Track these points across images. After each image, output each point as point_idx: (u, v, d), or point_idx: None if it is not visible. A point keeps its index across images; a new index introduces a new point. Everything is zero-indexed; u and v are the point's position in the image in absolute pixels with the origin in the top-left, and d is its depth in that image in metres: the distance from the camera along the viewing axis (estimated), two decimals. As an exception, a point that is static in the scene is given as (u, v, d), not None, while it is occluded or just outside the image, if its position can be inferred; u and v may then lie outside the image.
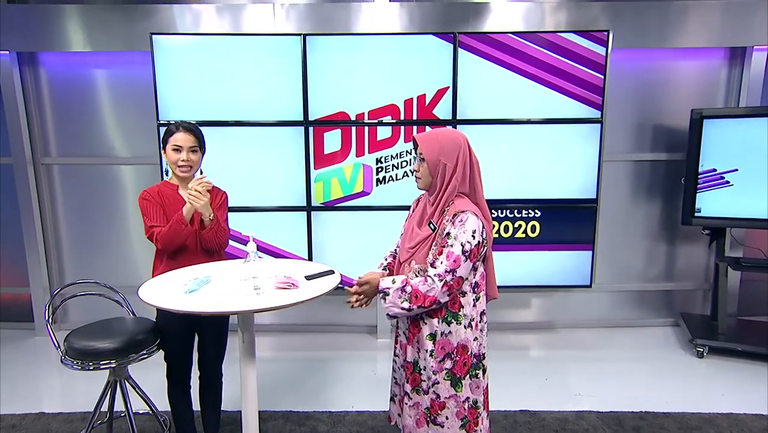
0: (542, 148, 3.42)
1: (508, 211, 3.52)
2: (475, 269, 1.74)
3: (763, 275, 3.96)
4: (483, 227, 1.71)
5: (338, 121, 3.42)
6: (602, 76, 3.31)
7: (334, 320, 3.96)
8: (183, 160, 2.16)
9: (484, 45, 3.32)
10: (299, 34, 3.31)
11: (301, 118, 3.41)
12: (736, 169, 3.37)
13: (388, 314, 1.72)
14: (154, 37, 3.28)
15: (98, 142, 3.79)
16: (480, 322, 1.79)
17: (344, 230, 3.53)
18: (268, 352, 3.66)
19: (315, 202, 3.51)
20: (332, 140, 3.44)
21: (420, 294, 1.66)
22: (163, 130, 2.39)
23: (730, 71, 3.68)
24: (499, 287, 3.53)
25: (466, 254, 1.66)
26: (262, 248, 3.51)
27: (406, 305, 1.67)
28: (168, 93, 3.36)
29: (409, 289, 1.68)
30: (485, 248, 1.75)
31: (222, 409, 2.47)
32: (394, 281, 1.72)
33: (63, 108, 3.76)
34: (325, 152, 3.46)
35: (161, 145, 2.22)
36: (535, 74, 3.35)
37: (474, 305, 1.76)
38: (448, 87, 3.36)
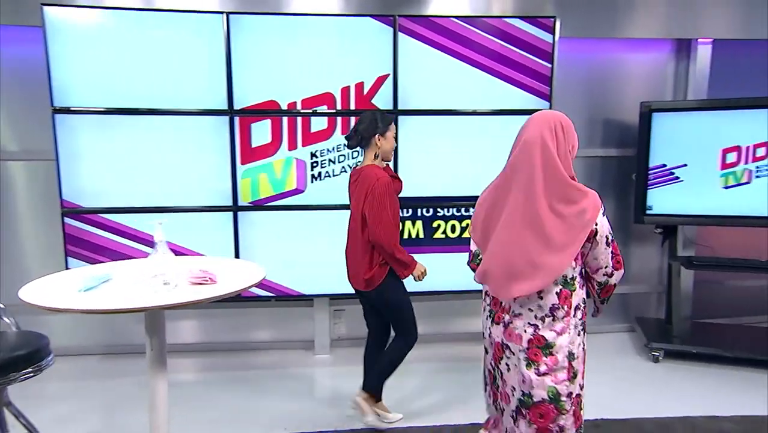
0: (490, 141, 3.53)
1: (455, 209, 3.59)
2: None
3: (715, 277, 4.26)
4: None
5: (267, 110, 3.38)
6: (549, 65, 3.48)
7: (267, 336, 3.88)
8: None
9: (427, 30, 3.40)
10: (222, 12, 3.26)
11: (226, 107, 3.35)
12: (686, 165, 3.62)
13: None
14: (45, 9, 3.12)
15: (-21, 134, 3.54)
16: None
17: (276, 232, 3.48)
18: (191, 374, 3.55)
19: (242, 202, 3.44)
20: (260, 132, 3.40)
21: None
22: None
23: (677, 64, 3.97)
24: (445, 292, 3.60)
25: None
26: (181, 254, 3.38)
27: None
28: (66, 75, 3.20)
29: None
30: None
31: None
32: None
33: (-66, 93, 3.49)
34: (253, 145, 3.41)
35: (380, 131, 2.57)
36: (482, 62, 3.46)
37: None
38: (389, 74, 3.42)
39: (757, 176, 3.46)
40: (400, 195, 3.37)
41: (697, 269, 3.91)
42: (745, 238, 4.00)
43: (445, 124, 3.51)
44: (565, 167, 1.70)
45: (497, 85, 3.49)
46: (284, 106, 3.39)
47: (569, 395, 1.76)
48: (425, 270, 2.68)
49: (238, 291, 1.71)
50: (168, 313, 3.61)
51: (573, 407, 1.77)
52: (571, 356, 1.75)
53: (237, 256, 3.47)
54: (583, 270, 1.79)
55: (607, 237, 1.72)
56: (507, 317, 1.80)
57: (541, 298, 1.73)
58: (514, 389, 1.82)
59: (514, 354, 1.78)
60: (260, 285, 3.46)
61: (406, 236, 3.59)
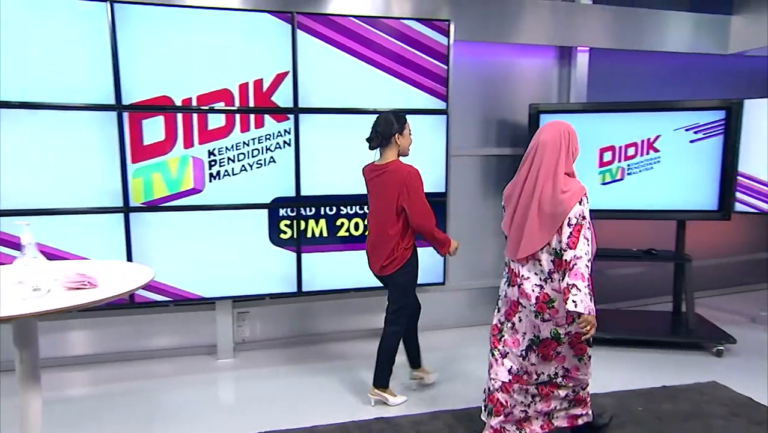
0: (391, 141, 3.60)
1: (357, 207, 3.62)
2: None
3: (597, 267, 4.60)
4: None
5: (160, 106, 3.22)
6: (445, 67, 3.61)
7: (166, 343, 3.69)
8: None
9: (326, 28, 3.40)
10: (105, 0, 3.06)
11: (113, 102, 3.15)
12: (570, 163, 3.89)
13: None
14: None
15: None
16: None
17: (173, 234, 3.34)
18: (83, 388, 3.30)
19: (134, 202, 3.26)
20: (153, 129, 3.24)
21: None
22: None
23: (561, 69, 4.27)
24: (348, 290, 3.62)
25: None
26: (65, 259, 3.13)
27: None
28: None
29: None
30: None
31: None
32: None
33: None
34: (145, 143, 3.24)
35: (398, 130, 2.77)
36: (381, 62, 3.52)
37: None
38: (288, 72, 3.38)
39: (629, 173, 3.81)
40: (307, 194, 3.33)
41: (582, 259, 4.22)
42: (622, 230, 4.38)
43: (347, 122, 3.53)
44: (567, 164, 2.23)
45: (396, 85, 3.57)
46: (178, 102, 3.25)
47: (567, 334, 2.30)
48: (458, 245, 2.96)
49: (121, 294, 1.61)
50: (55, 323, 3.39)
51: (570, 339, 2.33)
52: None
53: (130, 259, 3.28)
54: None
55: (569, 219, 2.14)
56: (519, 280, 2.31)
57: (541, 265, 2.24)
58: (525, 334, 2.36)
59: (525, 308, 2.32)
60: (157, 290, 3.34)
61: (309, 234, 3.57)
